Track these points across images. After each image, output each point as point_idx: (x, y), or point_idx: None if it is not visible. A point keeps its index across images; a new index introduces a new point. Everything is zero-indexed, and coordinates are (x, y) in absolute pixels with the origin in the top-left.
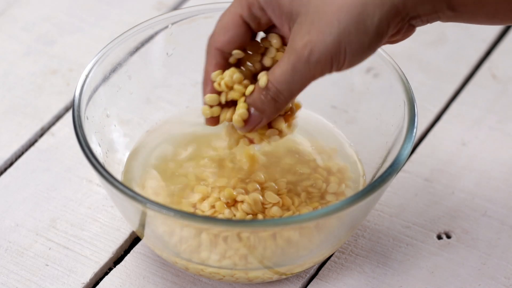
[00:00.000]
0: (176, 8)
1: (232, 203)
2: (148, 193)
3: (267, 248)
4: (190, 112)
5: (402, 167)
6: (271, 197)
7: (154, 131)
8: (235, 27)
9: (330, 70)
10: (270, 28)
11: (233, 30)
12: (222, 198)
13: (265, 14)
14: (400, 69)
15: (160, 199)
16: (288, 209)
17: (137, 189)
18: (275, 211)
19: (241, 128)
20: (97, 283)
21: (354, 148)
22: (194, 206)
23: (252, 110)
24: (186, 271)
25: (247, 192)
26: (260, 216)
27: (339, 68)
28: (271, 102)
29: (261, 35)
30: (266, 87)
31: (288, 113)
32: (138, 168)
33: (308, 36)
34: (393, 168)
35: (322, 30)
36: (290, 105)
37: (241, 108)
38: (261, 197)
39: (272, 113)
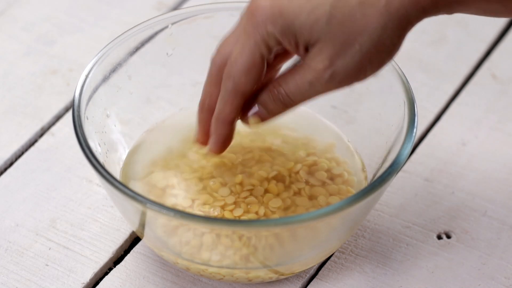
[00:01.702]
0: (176, 8)
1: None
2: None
3: (267, 248)
4: (189, 112)
5: (402, 167)
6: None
7: (153, 130)
8: (256, 67)
9: (348, 86)
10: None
11: (254, 70)
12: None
13: (280, 46)
14: (400, 69)
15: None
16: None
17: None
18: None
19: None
20: (97, 283)
21: (354, 148)
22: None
23: (258, 106)
24: (186, 271)
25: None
26: (261, 210)
27: (359, 82)
28: (280, 105)
29: None
30: (278, 91)
31: None
32: (138, 166)
33: (329, 61)
34: (393, 168)
35: (345, 55)
36: None
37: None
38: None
39: (278, 113)
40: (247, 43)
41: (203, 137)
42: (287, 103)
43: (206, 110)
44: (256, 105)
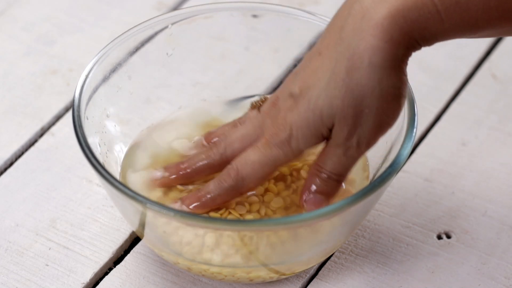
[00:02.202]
0: (176, 8)
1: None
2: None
3: (268, 247)
4: (189, 110)
5: (402, 167)
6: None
7: (152, 129)
8: (270, 175)
9: (382, 136)
10: None
11: (267, 178)
12: None
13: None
14: None
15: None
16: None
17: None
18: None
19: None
20: (97, 283)
21: None
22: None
23: (314, 195)
24: (186, 271)
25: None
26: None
27: (390, 128)
28: (333, 183)
29: None
30: (324, 173)
31: None
32: (137, 166)
33: (348, 133)
34: (393, 168)
35: (360, 123)
36: None
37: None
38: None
39: (333, 194)
40: (269, 153)
41: (168, 182)
42: (337, 179)
43: (195, 171)
44: (312, 194)
